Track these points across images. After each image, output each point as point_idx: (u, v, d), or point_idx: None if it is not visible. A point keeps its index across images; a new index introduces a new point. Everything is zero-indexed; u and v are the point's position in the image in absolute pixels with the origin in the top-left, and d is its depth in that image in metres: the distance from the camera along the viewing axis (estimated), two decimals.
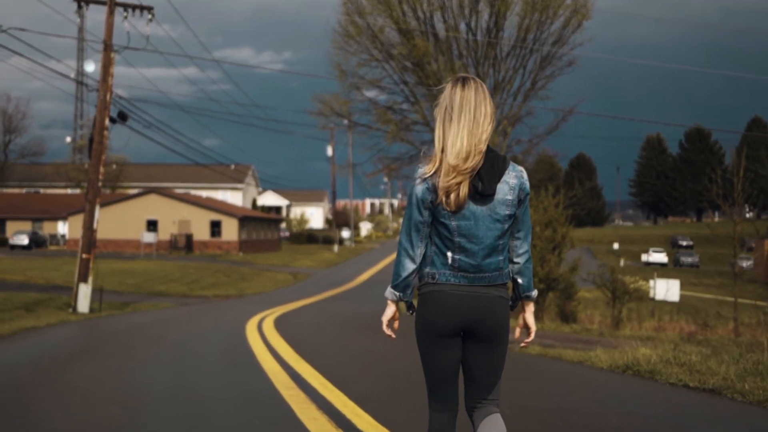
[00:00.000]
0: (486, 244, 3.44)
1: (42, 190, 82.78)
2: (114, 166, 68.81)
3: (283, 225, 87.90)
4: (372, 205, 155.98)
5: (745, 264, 48.22)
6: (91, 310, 23.05)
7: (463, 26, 31.18)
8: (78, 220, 53.24)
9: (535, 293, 3.66)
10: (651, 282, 36.17)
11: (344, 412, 6.34)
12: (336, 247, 76.97)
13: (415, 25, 30.98)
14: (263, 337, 13.32)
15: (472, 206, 3.42)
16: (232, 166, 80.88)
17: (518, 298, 3.67)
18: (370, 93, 33.46)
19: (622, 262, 56.95)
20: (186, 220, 64.25)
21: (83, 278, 23.02)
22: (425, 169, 3.46)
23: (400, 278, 3.51)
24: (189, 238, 63.58)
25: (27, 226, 68.87)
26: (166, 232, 63.48)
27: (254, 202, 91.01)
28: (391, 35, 31.57)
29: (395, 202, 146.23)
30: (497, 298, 3.49)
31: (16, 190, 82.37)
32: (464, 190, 3.39)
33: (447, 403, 3.58)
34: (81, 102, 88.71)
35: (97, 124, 23.72)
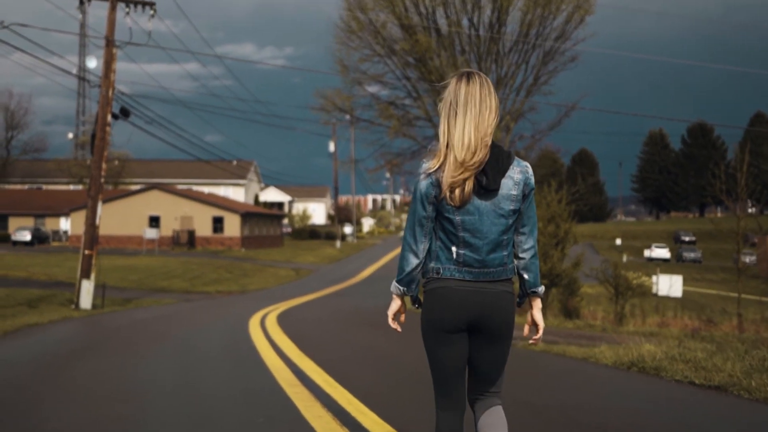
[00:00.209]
0: (490, 239, 3.43)
1: (44, 187, 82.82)
2: (116, 162, 68.86)
3: (286, 221, 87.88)
4: (374, 200, 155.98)
5: (747, 260, 48.20)
6: (94, 306, 23.06)
7: (465, 21, 31.12)
8: (80, 216, 53.28)
9: (542, 289, 3.63)
10: (654, 278, 36.11)
11: (349, 409, 6.30)
12: (338, 243, 76.97)
13: (417, 20, 30.92)
14: (266, 334, 13.29)
15: (477, 201, 3.42)
16: (234, 162, 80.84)
17: (525, 295, 3.65)
18: (373, 88, 33.42)
19: (624, 258, 56.91)
20: (188, 216, 64.25)
21: (86, 274, 23.02)
22: (430, 164, 3.45)
23: (403, 273, 3.53)
24: (191, 234, 63.59)
25: (29, 222, 68.90)
26: (168, 228, 63.48)
27: (256, 197, 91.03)
28: (393, 30, 31.53)
29: (397, 198, 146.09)
30: (503, 294, 3.48)
31: (19, 187, 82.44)
32: (469, 185, 3.39)
33: (454, 400, 3.56)
34: (83, 98, 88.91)
35: (100, 120, 23.69)
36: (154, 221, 63.56)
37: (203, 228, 64.46)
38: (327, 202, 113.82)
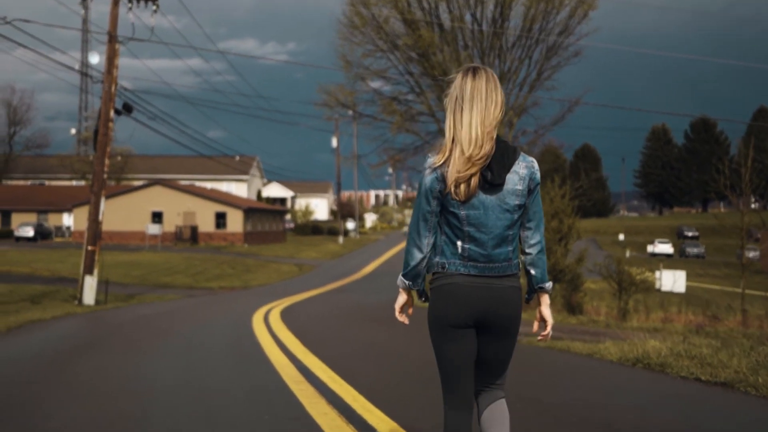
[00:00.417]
0: (495, 233, 3.42)
1: (47, 182, 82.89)
2: (119, 158, 68.89)
3: (288, 216, 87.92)
4: (377, 196, 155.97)
5: (751, 255, 48.17)
6: (97, 302, 23.05)
7: (468, 17, 31.07)
8: (83, 211, 53.27)
9: (549, 285, 3.61)
10: (657, 273, 36.06)
11: (354, 406, 6.27)
12: (341, 239, 76.97)
13: (420, 15, 30.87)
14: (270, 330, 13.27)
15: (482, 196, 3.41)
16: (237, 158, 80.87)
17: (532, 291, 3.63)
18: (375, 84, 33.40)
19: (627, 253, 56.80)
20: (191, 212, 64.27)
21: (89, 270, 23.01)
22: (435, 159, 3.45)
23: (409, 267, 3.54)
24: (194, 229, 63.62)
25: (32, 218, 68.96)
26: (171, 224, 63.51)
27: (259, 193, 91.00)
28: (396, 26, 31.49)
29: (400, 194, 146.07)
30: (509, 289, 3.47)
31: (21, 182, 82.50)
32: (475, 180, 3.38)
33: (462, 398, 3.53)
34: (86, 94, 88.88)
35: (102, 116, 23.66)
36: (157, 217, 63.58)
37: (206, 224, 64.47)
38: (330, 197, 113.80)
